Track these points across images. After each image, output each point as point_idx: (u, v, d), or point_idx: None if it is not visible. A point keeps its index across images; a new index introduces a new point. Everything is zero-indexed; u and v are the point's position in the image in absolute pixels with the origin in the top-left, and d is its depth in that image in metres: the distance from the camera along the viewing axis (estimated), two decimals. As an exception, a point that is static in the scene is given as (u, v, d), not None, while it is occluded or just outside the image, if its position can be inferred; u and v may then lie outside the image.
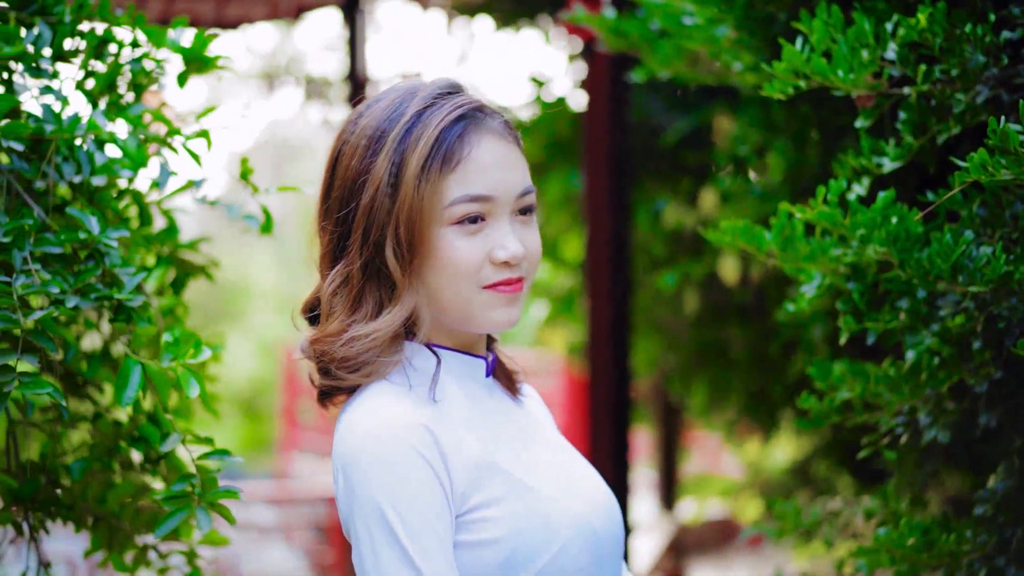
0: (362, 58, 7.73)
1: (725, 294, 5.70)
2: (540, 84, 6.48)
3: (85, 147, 2.45)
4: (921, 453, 2.85)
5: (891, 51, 2.49)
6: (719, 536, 9.55)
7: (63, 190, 2.54)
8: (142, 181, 2.70)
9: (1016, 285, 2.32)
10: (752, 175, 4.39)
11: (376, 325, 2.03)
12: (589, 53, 5.29)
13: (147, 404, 2.62)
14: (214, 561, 2.85)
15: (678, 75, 3.50)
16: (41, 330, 2.19)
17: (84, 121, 2.41)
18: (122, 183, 2.65)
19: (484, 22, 7.18)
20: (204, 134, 2.61)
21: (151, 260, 2.82)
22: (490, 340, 2.24)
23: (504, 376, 2.26)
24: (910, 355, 2.55)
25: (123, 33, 2.62)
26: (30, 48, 2.49)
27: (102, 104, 2.59)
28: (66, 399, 2.69)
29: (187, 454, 2.34)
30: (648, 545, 8.00)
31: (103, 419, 2.68)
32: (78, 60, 2.60)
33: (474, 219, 2.03)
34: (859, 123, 2.58)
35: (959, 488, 3.22)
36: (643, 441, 10.21)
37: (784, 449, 6.86)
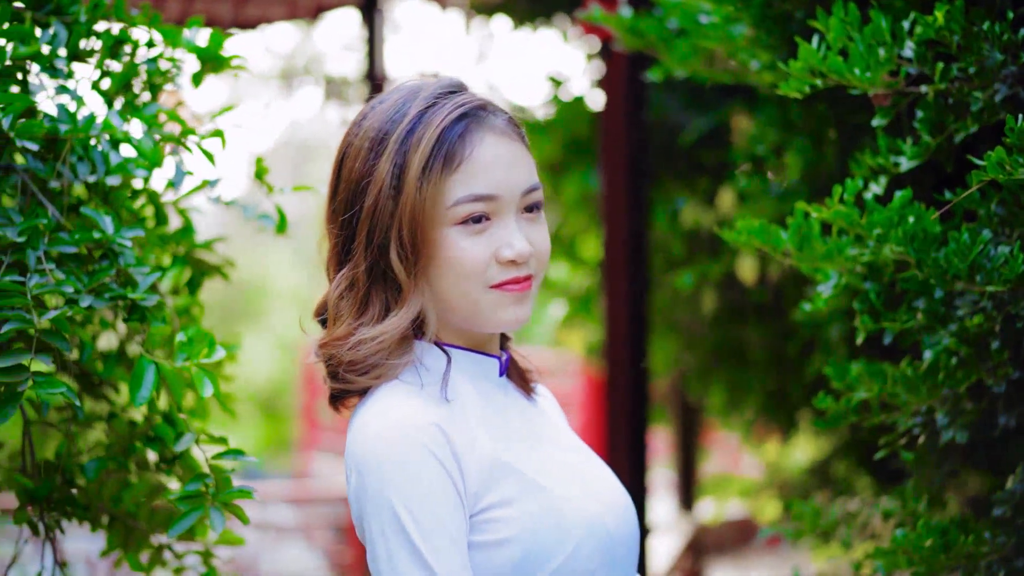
0: (380, 58, 7.74)
1: (743, 294, 5.69)
2: (558, 84, 6.47)
3: (100, 147, 2.45)
4: (939, 454, 2.83)
5: (908, 49, 2.47)
6: (738, 536, 9.52)
7: (79, 190, 2.54)
8: (158, 181, 2.70)
9: (1034, 284, 2.30)
10: (769, 174, 4.37)
11: (382, 328, 2.03)
12: (606, 52, 5.28)
13: (162, 404, 2.63)
14: (230, 561, 2.85)
15: (695, 74, 3.50)
16: (55, 330, 2.19)
17: (99, 121, 2.41)
18: (137, 183, 2.65)
19: (502, 22, 7.18)
20: (219, 133, 2.61)
21: (167, 260, 2.82)
22: (504, 339, 2.24)
23: (518, 375, 2.25)
24: (928, 355, 2.54)
25: (139, 33, 2.63)
26: (45, 48, 2.49)
27: (117, 104, 2.59)
28: (81, 399, 2.70)
29: (202, 454, 2.35)
30: (667, 545, 7.99)
31: (118, 419, 2.68)
32: (94, 60, 2.60)
33: (478, 218, 2.02)
34: (876, 122, 2.57)
35: (979, 489, 3.20)
36: (662, 441, 10.20)
37: (803, 449, 6.84)
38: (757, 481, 7.35)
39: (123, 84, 2.60)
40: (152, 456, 2.70)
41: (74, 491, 2.59)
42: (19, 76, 2.47)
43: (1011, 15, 2.40)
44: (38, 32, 2.52)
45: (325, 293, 2.14)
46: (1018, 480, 2.54)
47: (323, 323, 2.14)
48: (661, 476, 10.12)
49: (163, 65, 2.64)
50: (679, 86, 5.42)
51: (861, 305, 2.57)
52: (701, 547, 8.64)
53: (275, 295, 19.17)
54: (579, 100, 6.40)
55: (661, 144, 5.71)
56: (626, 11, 3.69)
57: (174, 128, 2.61)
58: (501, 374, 2.16)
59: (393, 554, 1.92)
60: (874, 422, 2.67)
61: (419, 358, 2.07)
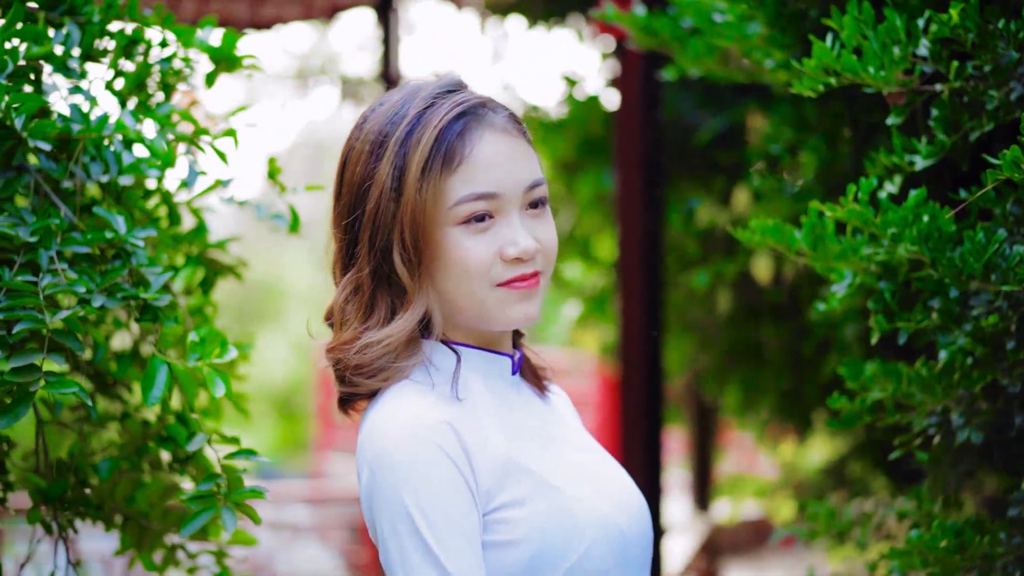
0: (395, 58, 7.74)
1: (758, 293, 5.67)
2: (572, 83, 6.46)
3: (112, 147, 2.46)
4: (955, 454, 2.82)
5: (923, 47, 2.46)
6: (754, 537, 9.50)
7: (93, 190, 2.54)
8: (171, 181, 2.71)
9: (1050, 284, 2.29)
10: (784, 174, 4.36)
11: (388, 331, 2.02)
12: (621, 52, 5.27)
13: (176, 404, 2.63)
14: (244, 560, 2.85)
15: (709, 73, 3.49)
16: (68, 330, 2.19)
17: (112, 121, 2.41)
18: (151, 183, 2.66)
19: (517, 21, 7.18)
20: (231, 133, 2.61)
21: (180, 260, 2.82)
22: (517, 336, 2.23)
23: (531, 374, 2.24)
24: (943, 355, 2.52)
25: (152, 33, 2.63)
26: (59, 49, 2.49)
27: (131, 104, 2.59)
28: (94, 399, 2.70)
29: (214, 454, 2.35)
30: (682, 546, 7.98)
31: (131, 419, 2.69)
32: (107, 60, 2.60)
33: (481, 217, 2.01)
34: (891, 120, 2.56)
35: (995, 489, 3.18)
36: (678, 441, 10.18)
37: (819, 449, 6.81)
38: (773, 481, 7.33)
39: (136, 84, 2.60)
40: (166, 456, 2.71)
41: (87, 491, 2.59)
42: (32, 76, 2.47)
43: (1027, 13, 2.39)
44: (51, 32, 2.52)
45: (333, 297, 2.14)
46: (1034, 481, 2.52)
47: (333, 327, 2.14)
48: (676, 476, 10.10)
49: (176, 65, 2.64)
50: (694, 85, 5.41)
51: (876, 305, 2.55)
52: (716, 547, 8.62)
53: (292, 295, 19.20)
54: (594, 99, 6.39)
55: (676, 143, 5.70)
56: (640, 10, 3.68)
57: (187, 128, 2.62)
58: (514, 372, 2.16)
59: (406, 554, 1.91)
60: (888, 422, 2.66)
61: (429, 357, 2.07)
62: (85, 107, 2.45)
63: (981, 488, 3.17)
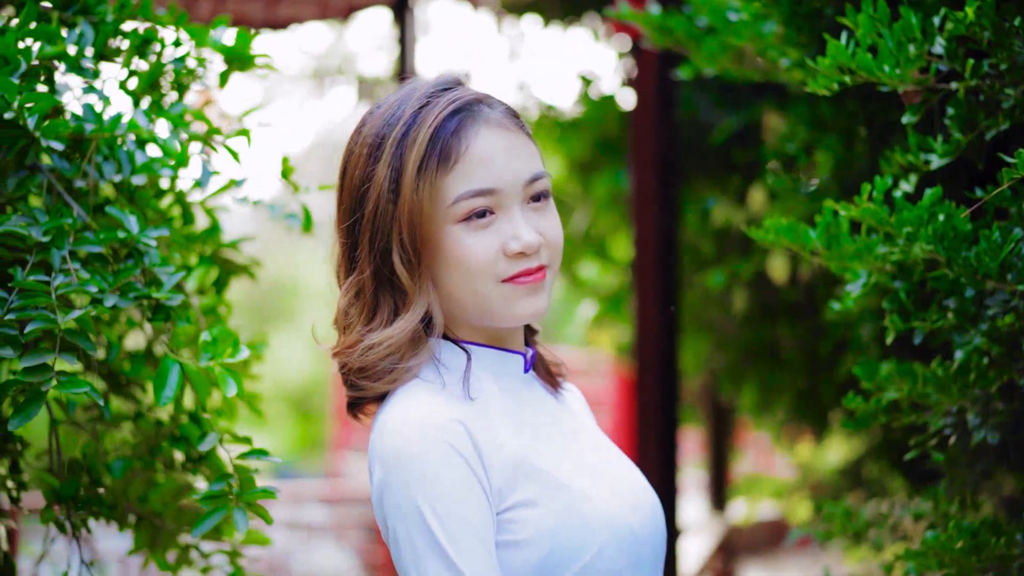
0: (412, 58, 7.74)
1: (774, 293, 5.65)
2: (588, 82, 6.45)
3: (125, 146, 2.46)
4: (971, 454, 2.80)
5: (938, 46, 2.44)
6: (770, 537, 9.48)
7: (108, 190, 2.54)
8: (186, 180, 2.71)
9: (1066, 283, 2.27)
10: (800, 173, 4.34)
11: (389, 332, 2.02)
12: (637, 51, 5.26)
13: (189, 403, 2.63)
14: (257, 560, 2.85)
15: (724, 72, 3.47)
16: (80, 330, 2.19)
17: (125, 120, 2.42)
18: (164, 183, 2.66)
19: (533, 20, 7.17)
20: (244, 133, 2.62)
21: (194, 260, 2.82)
22: (531, 334, 2.22)
23: (545, 372, 2.23)
24: (958, 355, 2.51)
25: (166, 32, 2.63)
26: (72, 48, 2.50)
27: (144, 103, 2.59)
28: (108, 399, 2.70)
29: (227, 454, 2.35)
30: (698, 546, 7.96)
31: (144, 418, 2.69)
32: (120, 59, 2.61)
33: (482, 213, 2.01)
34: (906, 119, 2.54)
35: (1014, 490, 3.17)
36: (694, 441, 10.16)
37: (836, 450, 6.79)
38: (789, 482, 7.31)
39: (150, 83, 2.60)
40: (179, 456, 2.71)
41: (101, 490, 2.59)
42: (46, 76, 2.47)
43: (1043, 11, 2.38)
44: (65, 32, 2.52)
45: (337, 301, 2.14)
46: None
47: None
48: (693, 476, 10.08)
49: (190, 64, 2.64)
50: (709, 84, 5.39)
51: (891, 304, 2.54)
52: (732, 548, 8.60)
53: (309, 295, 19.23)
54: (609, 99, 6.39)
55: (691, 143, 5.69)
56: (655, 9, 3.67)
57: (201, 128, 2.62)
58: (526, 370, 2.15)
59: (419, 555, 1.91)
60: (904, 423, 2.64)
61: (439, 357, 2.06)
62: (98, 107, 2.46)
63: (999, 489, 3.16)
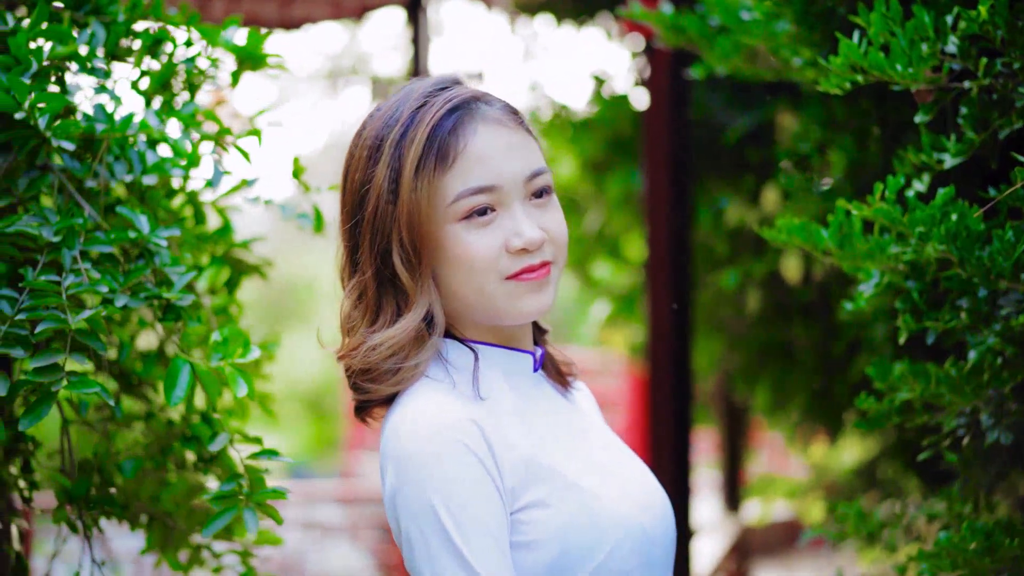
0: (425, 57, 7.74)
1: (788, 293, 5.64)
2: (601, 82, 6.44)
3: (136, 146, 2.46)
4: (985, 455, 2.79)
5: (951, 44, 2.43)
6: (784, 538, 9.46)
7: (120, 190, 2.55)
8: (198, 180, 2.71)
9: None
10: (814, 172, 4.33)
11: (391, 332, 2.02)
12: (650, 50, 5.25)
13: (201, 403, 2.63)
14: (268, 559, 2.85)
15: (737, 71, 3.46)
16: (91, 330, 2.19)
17: (136, 120, 2.42)
18: (176, 183, 2.66)
19: (547, 20, 7.17)
20: (255, 132, 2.62)
21: (205, 260, 2.82)
22: (539, 334, 2.22)
23: (555, 371, 2.23)
24: (972, 355, 2.50)
25: (177, 32, 2.63)
26: (83, 49, 2.50)
27: (156, 103, 2.60)
28: (120, 399, 2.70)
29: (238, 454, 2.35)
30: (711, 547, 7.94)
31: (156, 418, 2.69)
32: (132, 59, 2.61)
33: (482, 211, 2.00)
34: (919, 118, 2.53)
35: (1027, 491, 3.15)
36: (708, 442, 10.14)
37: (851, 450, 6.77)
38: (804, 482, 7.30)
39: (161, 83, 2.60)
40: (191, 456, 2.71)
41: (112, 490, 2.60)
42: (58, 76, 2.48)
43: (1056, 9, 2.36)
44: (76, 32, 2.53)
45: (340, 304, 2.14)
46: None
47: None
48: (707, 477, 10.06)
49: (202, 64, 2.64)
50: (723, 84, 5.38)
51: (903, 304, 2.53)
52: (746, 548, 8.59)
53: (323, 295, 19.25)
54: (622, 98, 6.38)
55: (705, 142, 5.68)
56: (667, 8, 3.66)
57: (212, 128, 2.62)
58: (535, 370, 2.14)
59: (434, 556, 1.90)
60: (917, 423, 2.63)
61: (447, 356, 2.06)
62: (110, 107, 2.46)
63: (1014, 490, 3.14)
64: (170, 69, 2.60)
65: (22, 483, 2.55)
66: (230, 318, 2.78)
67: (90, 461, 2.58)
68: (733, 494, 8.68)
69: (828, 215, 2.52)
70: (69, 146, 2.31)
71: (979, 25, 2.38)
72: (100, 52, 2.53)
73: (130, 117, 2.40)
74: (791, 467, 10.52)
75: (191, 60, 2.62)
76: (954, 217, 2.36)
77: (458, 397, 2.00)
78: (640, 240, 6.38)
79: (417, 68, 7.62)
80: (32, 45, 2.37)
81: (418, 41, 7.65)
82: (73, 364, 2.17)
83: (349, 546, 9.46)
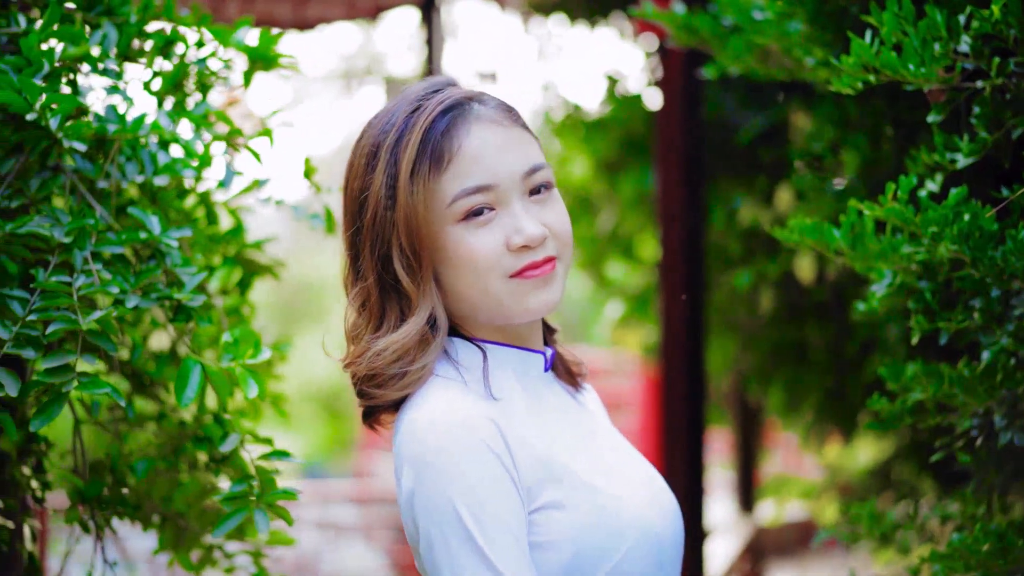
0: (439, 58, 7.74)
1: (801, 293, 5.62)
2: (614, 82, 6.44)
3: (148, 147, 2.46)
4: (999, 456, 2.78)
5: (964, 44, 2.42)
6: (799, 538, 9.44)
7: (133, 191, 2.55)
8: (211, 181, 2.71)
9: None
10: (827, 172, 4.32)
11: (395, 337, 2.01)
12: (663, 50, 5.25)
13: (213, 404, 2.63)
14: (281, 559, 2.85)
15: (749, 71, 3.45)
16: (102, 330, 2.19)
17: (148, 121, 2.42)
18: (188, 183, 2.66)
19: (560, 20, 7.17)
20: (267, 133, 2.62)
21: (217, 260, 2.83)
22: (549, 334, 2.22)
23: (565, 372, 2.23)
24: (985, 355, 2.49)
25: (189, 33, 2.63)
26: (96, 50, 2.50)
27: (168, 104, 2.60)
28: (132, 399, 2.71)
29: (249, 455, 2.35)
30: (725, 547, 7.93)
31: (168, 419, 2.69)
32: (144, 60, 2.61)
33: (479, 211, 2.00)
34: (931, 118, 2.52)
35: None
36: (722, 442, 10.12)
37: (866, 451, 6.76)
38: (818, 483, 7.28)
39: (173, 84, 2.61)
40: (203, 456, 2.71)
41: (125, 491, 2.60)
42: (70, 77, 2.48)
43: (1070, 8, 2.35)
44: (88, 32, 2.53)
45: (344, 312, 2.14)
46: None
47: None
48: (721, 477, 10.05)
49: (213, 65, 2.64)
50: (736, 84, 5.37)
51: (916, 305, 2.52)
52: (760, 549, 8.57)
53: (338, 295, 19.24)
54: (636, 98, 6.37)
55: (718, 142, 5.66)
56: (679, 7, 3.65)
57: (223, 128, 2.62)
58: (546, 369, 2.14)
59: (454, 555, 1.88)
60: (929, 424, 2.62)
61: (456, 356, 2.06)
62: (122, 108, 2.46)
63: (1029, 491, 3.13)
64: (182, 70, 2.60)
65: (35, 483, 2.56)
66: (242, 319, 2.79)
67: (102, 461, 2.58)
68: (747, 494, 8.66)
69: (840, 215, 2.51)
70: (81, 147, 2.32)
71: (992, 24, 2.37)
72: (112, 53, 2.54)
73: (142, 118, 2.40)
74: (806, 467, 10.50)
75: (203, 61, 2.63)
76: (967, 217, 2.35)
77: (473, 395, 2.00)
78: (653, 240, 6.37)
79: (431, 68, 7.63)
80: (44, 46, 2.38)
81: (432, 41, 7.66)
82: (83, 365, 2.18)
83: (364, 546, 9.46)
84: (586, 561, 1.96)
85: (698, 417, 5.26)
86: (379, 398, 2.03)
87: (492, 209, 2.01)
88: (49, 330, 2.14)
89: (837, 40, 2.98)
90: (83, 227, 2.27)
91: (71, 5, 2.55)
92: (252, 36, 2.68)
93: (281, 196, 2.80)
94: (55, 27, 2.40)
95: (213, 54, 2.64)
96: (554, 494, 1.97)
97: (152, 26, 2.62)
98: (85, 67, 2.50)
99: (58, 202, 2.41)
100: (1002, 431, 2.56)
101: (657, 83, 5.71)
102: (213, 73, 2.65)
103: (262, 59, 2.69)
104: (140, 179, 2.44)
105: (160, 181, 2.45)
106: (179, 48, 2.63)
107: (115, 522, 2.58)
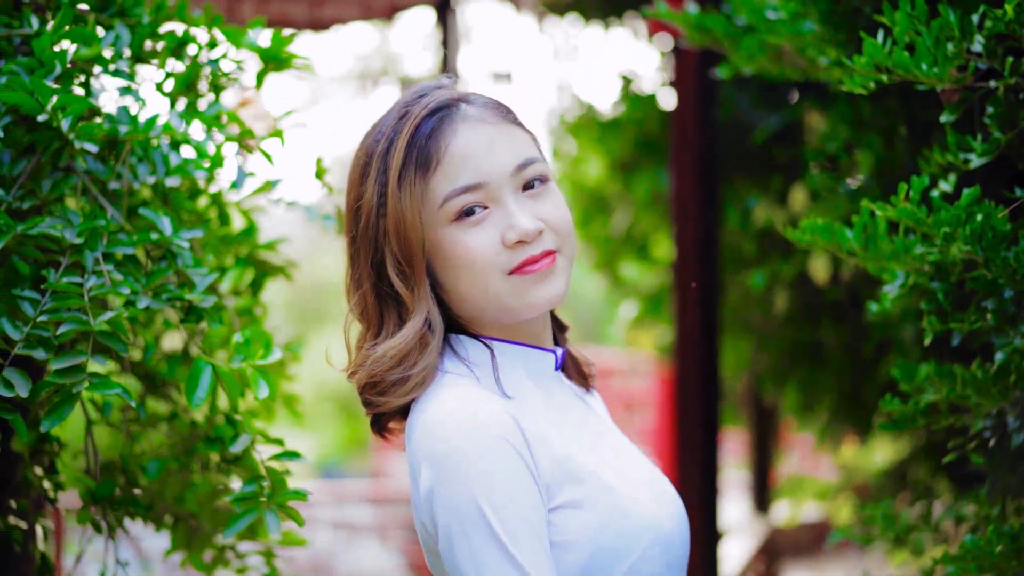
0: (455, 58, 7.75)
1: (816, 293, 5.61)
2: (628, 82, 6.43)
3: (159, 148, 2.46)
4: (1013, 457, 2.76)
5: (977, 43, 2.41)
6: (814, 539, 9.41)
7: (146, 192, 2.55)
8: (224, 182, 2.72)
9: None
10: (842, 172, 4.31)
11: (393, 342, 2.01)
12: (677, 50, 5.24)
13: (224, 404, 2.63)
14: (298, 560, 2.86)
15: (763, 71, 3.44)
16: (112, 331, 2.20)
17: (160, 122, 2.42)
18: (200, 184, 2.66)
19: (575, 20, 7.17)
20: (278, 134, 2.62)
21: (230, 261, 2.83)
22: (559, 331, 2.21)
23: (575, 372, 2.23)
24: (998, 356, 2.48)
25: (202, 34, 2.64)
26: (108, 51, 2.51)
27: (180, 105, 2.60)
28: (144, 400, 2.72)
29: (260, 455, 2.35)
30: (740, 548, 7.91)
31: (179, 419, 2.70)
32: (157, 61, 2.62)
33: (471, 210, 2.00)
34: (944, 118, 2.51)
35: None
36: (738, 442, 10.10)
37: (882, 451, 6.74)
38: (834, 483, 7.26)
39: (186, 85, 2.61)
40: (215, 457, 2.72)
41: (137, 491, 2.61)
42: (83, 78, 2.49)
43: (1084, 8, 2.34)
44: (101, 33, 2.54)
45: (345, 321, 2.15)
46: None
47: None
48: (736, 478, 10.03)
49: (226, 66, 2.65)
50: (750, 83, 5.36)
51: (928, 305, 2.51)
52: (775, 550, 8.55)
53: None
54: (650, 98, 6.36)
55: (732, 142, 5.66)
56: (692, 7, 3.65)
57: (236, 129, 2.62)
58: (557, 368, 2.14)
59: (478, 553, 1.87)
60: (942, 425, 2.61)
61: (465, 355, 2.05)
62: (134, 109, 2.46)
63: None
64: (194, 71, 2.61)
65: (47, 484, 2.56)
66: (254, 319, 2.79)
67: (114, 462, 2.59)
68: (762, 495, 8.65)
69: (854, 216, 2.50)
70: (92, 148, 2.32)
71: (1005, 24, 2.36)
72: (125, 54, 2.54)
73: (154, 119, 2.41)
74: (822, 468, 10.48)
75: (215, 62, 2.63)
76: (979, 217, 2.34)
77: (487, 391, 1.99)
78: (668, 240, 6.36)
79: (446, 68, 7.64)
80: (56, 48, 2.38)
81: (447, 42, 7.67)
82: (94, 366, 2.18)
83: (379, 546, 9.47)
84: (603, 561, 1.95)
85: (712, 417, 5.26)
86: (383, 405, 2.03)
87: (485, 207, 2.00)
88: (60, 331, 2.14)
89: (851, 40, 2.97)
90: (95, 228, 2.27)
91: (84, 6, 2.55)
92: (264, 37, 2.68)
93: (294, 197, 2.81)
94: (67, 28, 2.40)
95: (224, 55, 2.64)
96: (572, 494, 1.96)
97: (164, 27, 2.62)
98: (97, 68, 2.50)
99: (70, 203, 2.41)
100: (1015, 432, 2.55)
101: (671, 83, 5.71)
102: (225, 74, 2.65)
103: (274, 60, 2.69)
104: (152, 180, 2.45)
105: (172, 182, 2.45)
106: (191, 49, 2.63)
107: (131, 522, 2.59)
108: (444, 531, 1.91)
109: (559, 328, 2.21)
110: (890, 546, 3.39)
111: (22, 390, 2.11)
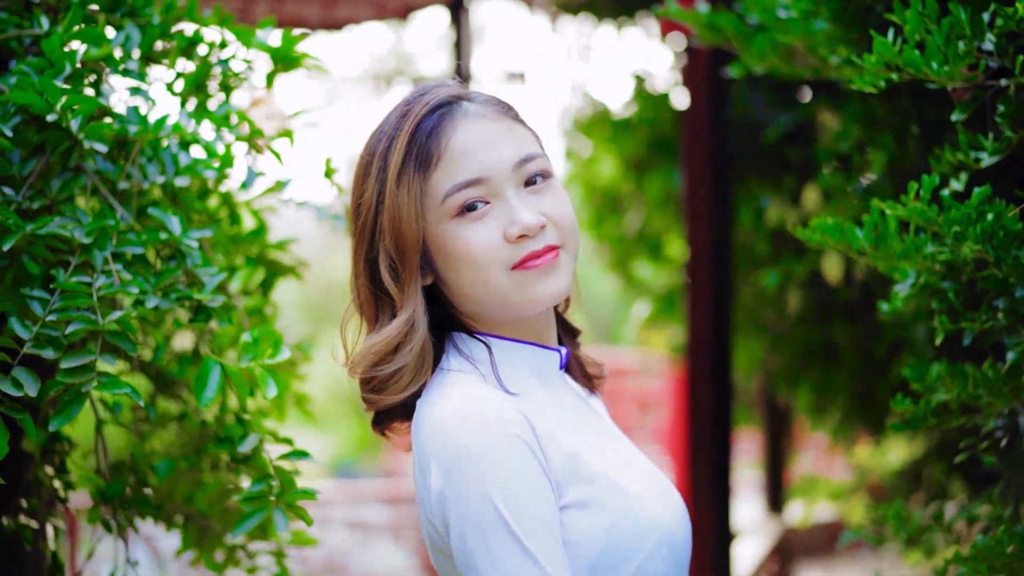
0: (468, 58, 7.74)
1: (829, 293, 5.60)
2: (641, 81, 6.43)
3: (169, 148, 2.47)
4: (1022, 456, 2.75)
5: (988, 42, 2.40)
6: (827, 539, 9.39)
7: (154, 192, 2.56)
8: (234, 182, 2.72)
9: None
10: (854, 171, 4.30)
11: (374, 339, 2.02)
12: (689, 50, 5.23)
13: (234, 404, 2.64)
14: (312, 559, 2.86)
15: (774, 70, 3.44)
16: (121, 331, 2.20)
17: (169, 122, 2.43)
18: (210, 184, 2.67)
19: (588, 20, 7.17)
20: (287, 134, 2.62)
21: (240, 260, 2.83)
22: (571, 336, 2.21)
23: (580, 372, 2.22)
24: (1010, 356, 2.47)
25: (212, 34, 2.64)
26: (118, 51, 2.51)
27: (190, 105, 2.61)
28: (155, 399, 2.72)
29: (269, 455, 2.35)
30: (753, 548, 7.90)
31: (189, 419, 2.70)
32: (167, 61, 2.62)
33: (473, 206, 2.00)
34: (955, 116, 2.50)
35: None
36: (752, 442, 10.08)
37: (896, 451, 6.72)
38: (848, 483, 7.24)
39: (196, 85, 2.61)
40: (225, 456, 2.72)
41: (147, 491, 2.61)
42: (93, 78, 2.49)
43: (1095, 6, 2.33)
44: (111, 34, 2.54)
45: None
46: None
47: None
48: (750, 478, 10.01)
49: (236, 66, 2.65)
50: (763, 83, 5.35)
51: (939, 305, 2.50)
52: (789, 550, 8.53)
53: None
54: (663, 98, 6.36)
55: (745, 141, 5.64)
56: (703, 7, 3.64)
57: (246, 129, 2.63)
58: (561, 367, 2.14)
59: (494, 549, 1.87)
60: (954, 425, 2.60)
61: (468, 352, 2.05)
62: (144, 109, 2.47)
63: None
64: (204, 71, 2.61)
65: (57, 483, 2.57)
66: (264, 319, 2.79)
67: (125, 461, 2.59)
68: (776, 495, 8.63)
69: (864, 215, 2.49)
70: (102, 148, 2.33)
71: (1016, 22, 2.35)
72: (135, 54, 2.54)
73: (163, 119, 2.41)
74: (835, 468, 10.46)
75: (225, 62, 2.63)
76: (990, 216, 2.33)
77: (495, 389, 1.99)
78: (681, 240, 6.36)
79: (460, 68, 7.64)
80: (66, 48, 2.39)
81: (461, 41, 7.66)
82: (102, 365, 2.18)
83: (393, 546, 9.48)
84: (611, 560, 1.95)
85: (724, 417, 5.25)
86: (378, 403, 2.03)
87: (486, 203, 2.00)
88: (69, 330, 2.15)
89: (862, 39, 2.96)
90: (104, 228, 2.28)
91: (94, 7, 2.56)
92: (274, 37, 2.68)
93: (304, 197, 2.81)
94: (77, 28, 2.41)
95: (235, 55, 2.64)
96: (580, 493, 1.96)
97: (175, 27, 2.63)
98: (107, 69, 2.51)
99: (80, 203, 2.42)
100: (1027, 432, 2.54)
101: (683, 82, 5.70)
102: (235, 74, 2.65)
103: (284, 60, 2.69)
104: (161, 180, 2.45)
105: (181, 182, 2.46)
106: (201, 49, 2.63)
107: (144, 522, 2.59)
108: (457, 530, 1.90)
109: (571, 334, 2.22)
110: (903, 546, 3.38)
111: (31, 389, 2.12)
